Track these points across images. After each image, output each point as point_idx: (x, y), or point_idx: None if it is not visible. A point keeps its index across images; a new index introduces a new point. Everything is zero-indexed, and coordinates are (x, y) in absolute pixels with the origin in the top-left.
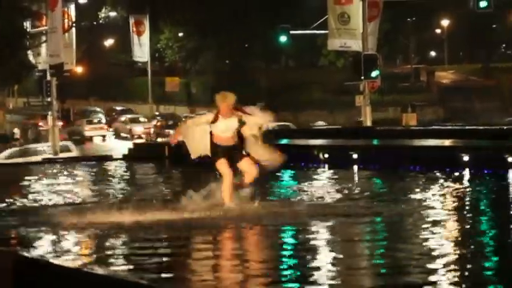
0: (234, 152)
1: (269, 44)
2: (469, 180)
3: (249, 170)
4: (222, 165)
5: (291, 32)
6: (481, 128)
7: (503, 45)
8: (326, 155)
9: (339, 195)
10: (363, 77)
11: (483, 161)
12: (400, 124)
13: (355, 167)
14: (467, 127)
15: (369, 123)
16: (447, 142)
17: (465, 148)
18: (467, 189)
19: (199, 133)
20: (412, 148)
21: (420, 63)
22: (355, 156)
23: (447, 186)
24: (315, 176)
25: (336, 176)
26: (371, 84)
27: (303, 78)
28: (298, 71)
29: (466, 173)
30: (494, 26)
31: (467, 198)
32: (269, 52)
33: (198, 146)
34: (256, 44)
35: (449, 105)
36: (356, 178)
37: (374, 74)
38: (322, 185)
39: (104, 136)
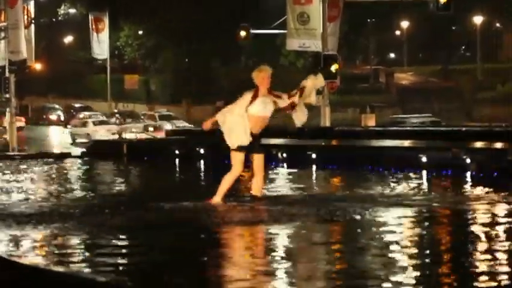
0: (258, 141)
1: (229, 43)
2: (426, 180)
3: (259, 172)
4: (238, 159)
5: (251, 31)
6: (441, 129)
7: (463, 47)
8: (284, 155)
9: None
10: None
11: (441, 162)
12: (359, 125)
13: (314, 167)
14: (426, 128)
15: (327, 123)
16: (406, 143)
17: (424, 149)
18: (415, 191)
19: (237, 122)
20: (371, 148)
21: (379, 64)
22: (313, 156)
23: (398, 187)
24: (272, 176)
25: (292, 176)
26: (330, 85)
27: None
28: None
29: (423, 174)
30: (453, 28)
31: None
32: (229, 51)
33: (238, 136)
34: (216, 43)
35: (408, 107)
36: (313, 178)
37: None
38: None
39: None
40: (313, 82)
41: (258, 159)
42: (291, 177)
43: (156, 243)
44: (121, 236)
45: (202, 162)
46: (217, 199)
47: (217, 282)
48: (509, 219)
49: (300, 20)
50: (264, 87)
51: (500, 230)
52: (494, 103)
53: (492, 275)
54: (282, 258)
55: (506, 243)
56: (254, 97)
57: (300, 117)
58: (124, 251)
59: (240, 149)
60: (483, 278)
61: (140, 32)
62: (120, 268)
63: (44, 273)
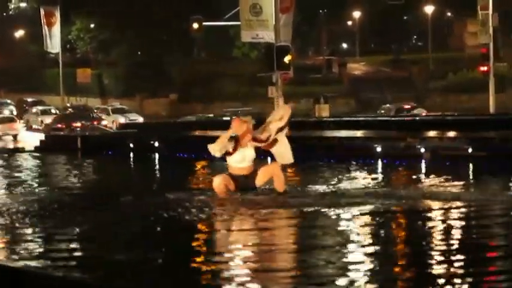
0: (246, 180)
1: (182, 35)
2: (381, 171)
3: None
4: (221, 182)
5: (204, 23)
6: (393, 119)
7: (415, 37)
8: None
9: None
10: (275, 68)
11: (395, 151)
12: (313, 115)
13: (269, 159)
14: (379, 118)
15: None
16: (359, 133)
17: (377, 139)
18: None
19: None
20: (325, 139)
21: (332, 55)
22: None
23: (353, 177)
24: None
25: None
26: (283, 76)
27: (216, 70)
28: (210, 62)
29: (378, 163)
30: (405, 17)
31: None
32: (182, 43)
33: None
34: (169, 36)
35: (361, 97)
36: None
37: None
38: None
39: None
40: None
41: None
42: None
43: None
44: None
45: (156, 155)
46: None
47: None
48: (462, 210)
49: (253, 11)
50: (245, 140)
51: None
52: (445, 92)
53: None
54: None
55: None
56: (235, 149)
57: (284, 157)
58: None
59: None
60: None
61: (92, 26)
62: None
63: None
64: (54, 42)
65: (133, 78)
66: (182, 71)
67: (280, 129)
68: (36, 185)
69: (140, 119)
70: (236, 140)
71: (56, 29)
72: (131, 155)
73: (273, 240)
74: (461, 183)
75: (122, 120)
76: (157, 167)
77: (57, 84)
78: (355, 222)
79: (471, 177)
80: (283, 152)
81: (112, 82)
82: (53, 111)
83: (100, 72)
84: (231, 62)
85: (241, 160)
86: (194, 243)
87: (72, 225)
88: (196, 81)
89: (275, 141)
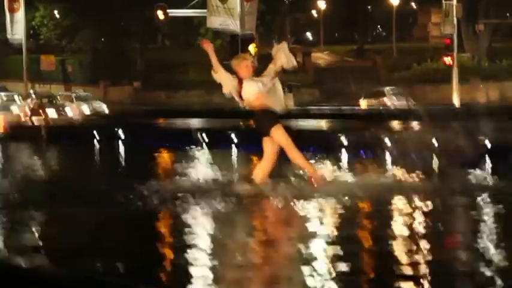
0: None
1: (146, 23)
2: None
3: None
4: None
5: (168, 10)
6: (358, 109)
7: (379, 27)
8: (204, 136)
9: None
10: None
11: (359, 141)
12: None
13: (234, 149)
14: (343, 108)
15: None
16: (323, 123)
17: (343, 129)
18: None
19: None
20: (291, 129)
21: (296, 44)
22: (233, 136)
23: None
24: (195, 157)
25: (214, 157)
26: None
27: (180, 58)
28: (174, 50)
29: (344, 154)
30: (369, 7)
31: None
32: (146, 31)
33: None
34: (133, 23)
35: (325, 87)
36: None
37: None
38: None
39: None
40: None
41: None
42: (211, 158)
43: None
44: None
45: (121, 144)
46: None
47: None
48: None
49: None
50: (248, 75)
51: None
52: (410, 83)
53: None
54: None
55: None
56: (239, 84)
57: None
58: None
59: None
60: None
61: (56, 12)
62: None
63: None
64: (17, 28)
65: (97, 66)
66: (146, 59)
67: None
68: None
69: (104, 107)
70: (238, 79)
71: (19, 15)
72: (96, 144)
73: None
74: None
75: (85, 107)
76: (123, 155)
77: (21, 71)
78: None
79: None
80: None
81: (76, 69)
82: (16, 98)
83: (64, 59)
84: (195, 50)
85: (256, 85)
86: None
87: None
88: (160, 69)
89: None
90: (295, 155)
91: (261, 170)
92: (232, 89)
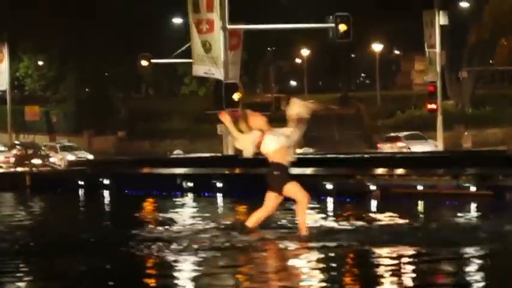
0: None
1: (130, 73)
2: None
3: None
4: (295, 187)
5: (152, 60)
6: (342, 156)
7: (363, 75)
8: (190, 184)
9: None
10: (224, 106)
11: (344, 188)
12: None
13: (220, 195)
14: (328, 155)
15: (230, 152)
16: (309, 170)
17: (327, 176)
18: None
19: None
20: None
21: (280, 92)
22: (219, 184)
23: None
24: (180, 205)
25: (200, 205)
26: (232, 113)
27: (164, 107)
28: (158, 99)
29: (329, 200)
30: (353, 55)
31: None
32: (130, 80)
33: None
34: (117, 72)
35: (309, 134)
36: (220, 207)
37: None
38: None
39: None
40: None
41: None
42: (197, 205)
43: None
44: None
45: (106, 192)
46: (303, 232)
47: None
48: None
49: (203, 48)
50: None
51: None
52: (394, 130)
53: None
54: None
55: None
56: (261, 136)
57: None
58: None
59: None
60: None
61: (40, 63)
62: None
63: None
64: (1, 80)
65: (81, 116)
66: (130, 108)
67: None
68: None
69: (88, 157)
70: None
71: (4, 66)
72: (80, 192)
73: None
74: (407, 221)
75: (70, 157)
76: (107, 203)
77: (5, 122)
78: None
79: (420, 215)
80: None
81: (60, 119)
82: (1, 148)
83: (48, 109)
84: (179, 99)
85: (277, 139)
86: None
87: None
88: (144, 118)
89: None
90: (302, 211)
91: (256, 217)
92: (252, 147)
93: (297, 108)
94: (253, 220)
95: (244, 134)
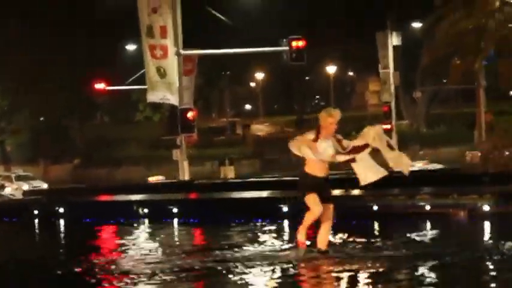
0: (326, 185)
1: (84, 100)
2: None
3: (326, 222)
4: (313, 199)
5: (107, 87)
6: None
7: (317, 97)
8: (146, 210)
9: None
10: (179, 131)
11: (301, 211)
12: (219, 177)
13: (175, 221)
14: (284, 178)
15: (186, 177)
16: (264, 193)
17: (283, 199)
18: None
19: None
20: (232, 200)
21: (236, 116)
22: (175, 210)
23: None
24: (135, 231)
25: (155, 231)
26: (188, 139)
27: (119, 134)
28: (114, 127)
29: (285, 223)
30: (307, 78)
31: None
32: (84, 108)
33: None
34: (71, 101)
35: (266, 157)
36: (176, 232)
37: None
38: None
39: None
40: (373, 130)
41: (326, 209)
42: (152, 233)
43: None
44: None
45: (62, 221)
46: (300, 237)
47: None
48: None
49: (158, 73)
50: (327, 132)
51: None
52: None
53: None
54: None
55: None
56: (315, 140)
57: (366, 176)
58: None
59: (305, 187)
60: None
61: None
62: None
63: None
64: None
65: (36, 145)
66: (86, 136)
67: (362, 148)
68: None
69: (44, 185)
70: (317, 131)
71: None
72: (36, 221)
73: None
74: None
75: (25, 187)
76: (64, 233)
77: None
78: None
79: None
80: (363, 170)
81: (15, 149)
82: None
83: (3, 139)
84: (134, 126)
85: (322, 152)
86: None
87: None
88: (100, 145)
89: (353, 159)
90: (307, 225)
91: (322, 236)
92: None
93: (378, 141)
94: (321, 241)
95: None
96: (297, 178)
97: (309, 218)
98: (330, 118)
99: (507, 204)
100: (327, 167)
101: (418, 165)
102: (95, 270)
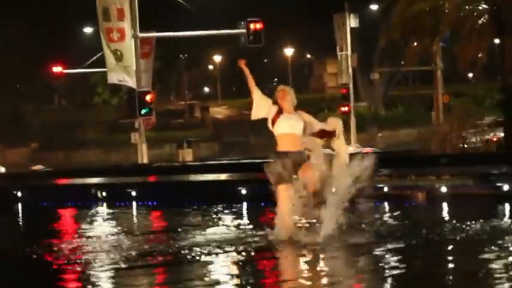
0: (302, 161)
1: (41, 84)
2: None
3: (311, 181)
4: (284, 191)
5: (64, 71)
6: (257, 161)
7: (275, 79)
8: (104, 193)
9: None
10: (137, 114)
11: (259, 193)
12: (177, 160)
13: (134, 204)
14: (242, 161)
15: (145, 160)
16: (223, 176)
17: (242, 181)
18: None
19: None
20: (190, 183)
21: (194, 99)
22: (133, 193)
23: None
24: (94, 215)
25: (114, 215)
26: (146, 122)
27: (77, 118)
28: (71, 110)
29: (244, 206)
30: (265, 60)
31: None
32: (41, 92)
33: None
34: (28, 84)
35: (225, 140)
36: (135, 216)
37: (143, 111)
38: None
39: None
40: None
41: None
42: (112, 216)
43: None
44: None
45: (20, 205)
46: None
47: None
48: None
49: (114, 57)
50: (284, 108)
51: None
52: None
53: None
54: None
55: None
56: (278, 113)
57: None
58: None
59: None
60: None
61: None
62: None
63: None
64: None
65: None
66: (43, 120)
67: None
68: None
69: (2, 170)
70: (279, 107)
71: None
72: None
73: None
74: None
75: None
76: (20, 217)
77: None
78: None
79: None
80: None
81: None
82: None
83: None
84: (92, 109)
85: (289, 125)
86: None
87: None
88: (57, 129)
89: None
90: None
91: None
92: (263, 115)
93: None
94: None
95: (262, 97)
96: (259, 161)
97: (283, 211)
98: (277, 93)
99: (465, 186)
100: (299, 140)
101: (350, 149)
102: (54, 256)
